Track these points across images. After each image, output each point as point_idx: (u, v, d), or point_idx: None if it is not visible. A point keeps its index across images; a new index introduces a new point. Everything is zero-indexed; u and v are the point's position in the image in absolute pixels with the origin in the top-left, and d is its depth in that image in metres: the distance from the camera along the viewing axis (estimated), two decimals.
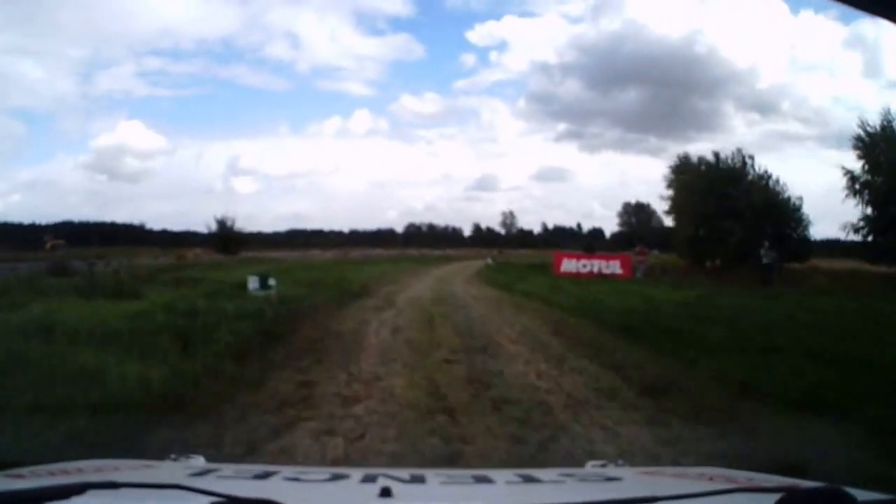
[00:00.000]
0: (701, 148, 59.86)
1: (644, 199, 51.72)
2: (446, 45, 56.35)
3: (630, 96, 50.06)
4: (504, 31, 60.99)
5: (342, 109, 63.02)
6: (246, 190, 49.17)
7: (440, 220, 53.30)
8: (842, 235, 18.54)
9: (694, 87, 45.54)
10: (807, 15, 49.02)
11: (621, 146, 56.74)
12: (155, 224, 42.78)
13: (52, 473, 1.36)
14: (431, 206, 59.20)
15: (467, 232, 53.67)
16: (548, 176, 64.58)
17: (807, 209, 20.32)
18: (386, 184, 56.38)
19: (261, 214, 61.17)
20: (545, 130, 66.15)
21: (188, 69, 48.14)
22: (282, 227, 47.35)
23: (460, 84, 59.99)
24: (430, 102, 55.10)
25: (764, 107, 50.02)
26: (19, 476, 1.31)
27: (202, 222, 33.68)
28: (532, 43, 55.67)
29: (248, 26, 49.95)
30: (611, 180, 59.34)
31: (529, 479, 1.40)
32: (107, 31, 43.81)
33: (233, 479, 1.39)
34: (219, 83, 45.10)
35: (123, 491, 1.06)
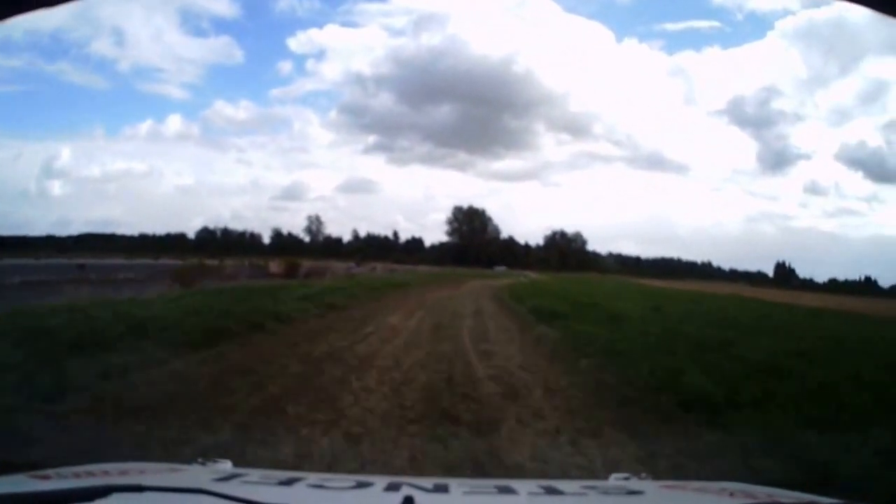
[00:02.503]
0: (509, 165, 62.48)
1: (479, 205, 46.01)
2: (267, 51, 56.89)
3: (443, 111, 50.93)
4: (324, 40, 60.73)
5: (157, 113, 62.22)
6: (58, 192, 44.09)
7: (243, 227, 49.13)
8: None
9: (507, 106, 47.97)
10: (631, 43, 55.05)
11: (430, 160, 59.40)
12: None
13: (77, 475, 1.36)
14: (238, 215, 57.62)
15: (268, 238, 49.12)
16: (354, 188, 65.25)
17: (602, 229, 21.40)
18: (195, 190, 53.08)
19: (75, 218, 54.46)
20: (355, 142, 67.61)
21: (16, 63, 43.47)
22: (85, 231, 42.53)
23: (275, 92, 59.78)
24: (243, 110, 53.61)
25: (576, 128, 54.57)
26: (45, 477, 1.31)
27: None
28: (349, 53, 56.59)
29: (78, 19, 45.67)
30: (417, 194, 61.07)
31: (552, 491, 1.42)
32: None
33: (257, 484, 1.40)
34: (44, 79, 42.62)
35: (148, 495, 1.05)
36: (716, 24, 53.50)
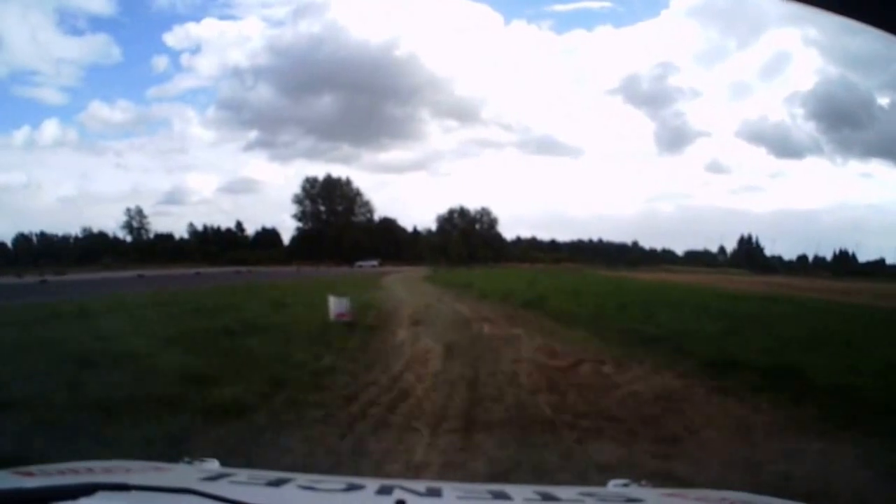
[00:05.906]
0: (396, 156, 61.91)
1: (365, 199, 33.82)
2: (144, 47, 55.88)
3: (324, 102, 49.82)
4: (202, 34, 61.66)
5: (32, 118, 58.48)
6: None
7: (63, 231, 45.74)
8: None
9: (391, 93, 47.01)
10: (519, 24, 55.94)
11: (313, 155, 58.20)
12: None
13: (61, 472, 1.36)
14: (122, 223, 56.43)
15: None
16: (238, 188, 64.76)
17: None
18: (75, 200, 50.50)
19: None
20: (236, 139, 67.24)
21: None
22: None
23: (153, 91, 58.18)
24: (121, 110, 51.64)
25: (463, 114, 54.87)
26: (29, 474, 1.30)
27: None
28: (227, 46, 55.42)
29: None
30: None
31: (548, 497, 1.39)
32: None
33: (246, 485, 1.38)
34: None
35: (134, 493, 1.04)
36: (607, 4, 55.39)
